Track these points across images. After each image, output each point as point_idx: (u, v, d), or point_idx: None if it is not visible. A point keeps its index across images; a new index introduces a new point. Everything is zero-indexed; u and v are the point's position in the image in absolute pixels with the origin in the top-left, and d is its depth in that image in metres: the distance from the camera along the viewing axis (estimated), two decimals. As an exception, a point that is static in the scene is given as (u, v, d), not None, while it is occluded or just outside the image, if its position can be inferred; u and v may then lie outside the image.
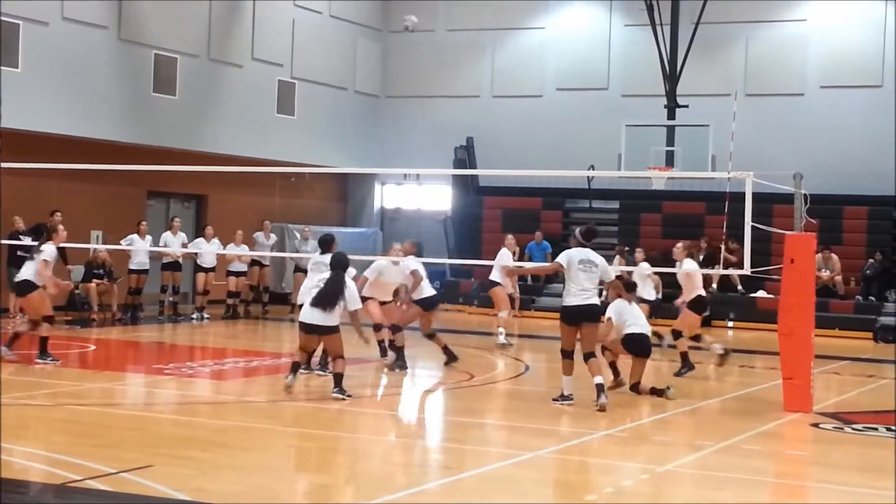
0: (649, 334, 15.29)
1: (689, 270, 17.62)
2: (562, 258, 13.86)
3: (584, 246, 13.95)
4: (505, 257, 20.40)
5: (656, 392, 14.84)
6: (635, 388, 14.90)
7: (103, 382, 15.05)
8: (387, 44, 33.55)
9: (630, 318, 15.02)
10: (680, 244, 17.99)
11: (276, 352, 19.47)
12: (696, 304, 17.76)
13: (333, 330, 14.08)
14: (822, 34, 29.76)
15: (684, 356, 17.40)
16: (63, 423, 11.81)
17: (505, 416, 13.23)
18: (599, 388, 13.62)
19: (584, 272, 13.72)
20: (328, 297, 13.98)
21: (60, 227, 16.92)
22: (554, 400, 13.84)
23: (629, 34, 31.01)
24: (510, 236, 21.68)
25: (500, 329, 19.70)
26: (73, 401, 13.26)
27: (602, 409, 13.34)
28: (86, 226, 24.93)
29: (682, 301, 17.83)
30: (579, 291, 13.70)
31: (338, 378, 14.01)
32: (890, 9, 29.07)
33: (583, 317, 13.73)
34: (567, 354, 13.78)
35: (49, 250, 16.19)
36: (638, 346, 14.99)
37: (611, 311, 15.03)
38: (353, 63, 32.42)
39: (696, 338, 18.04)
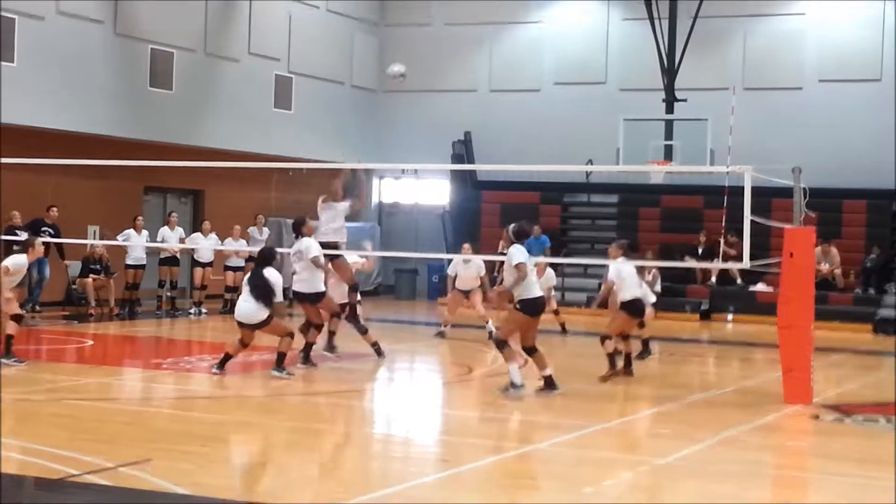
0: (642, 297, 16.12)
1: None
2: (524, 257, 13.83)
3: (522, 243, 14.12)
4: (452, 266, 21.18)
5: (627, 364, 15.86)
6: (626, 337, 16.02)
7: (101, 377, 15.00)
8: (384, 38, 33.50)
9: (629, 281, 15.70)
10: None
11: (274, 346, 19.41)
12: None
13: (265, 322, 14.73)
14: (821, 28, 29.73)
15: (645, 342, 18.10)
16: (61, 417, 11.78)
17: (502, 409, 13.19)
18: (549, 380, 13.91)
19: (532, 266, 14.08)
20: (261, 297, 14.60)
21: (39, 242, 16.15)
22: (504, 391, 13.80)
23: (627, 28, 30.97)
24: (466, 245, 21.74)
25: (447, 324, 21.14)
26: (71, 396, 13.23)
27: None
28: (83, 221, 24.87)
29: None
30: (535, 282, 14.07)
31: (280, 357, 14.69)
32: (888, 3, 29.04)
33: (542, 307, 14.04)
34: (505, 344, 13.85)
35: (15, 261, 15.42)
36: (634, 308, 15.84)
37: (612, 274, 15.66)
38: (350, 57, 32.37)
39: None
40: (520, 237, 14.06)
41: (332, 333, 16.97)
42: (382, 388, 15.80)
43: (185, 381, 14.96)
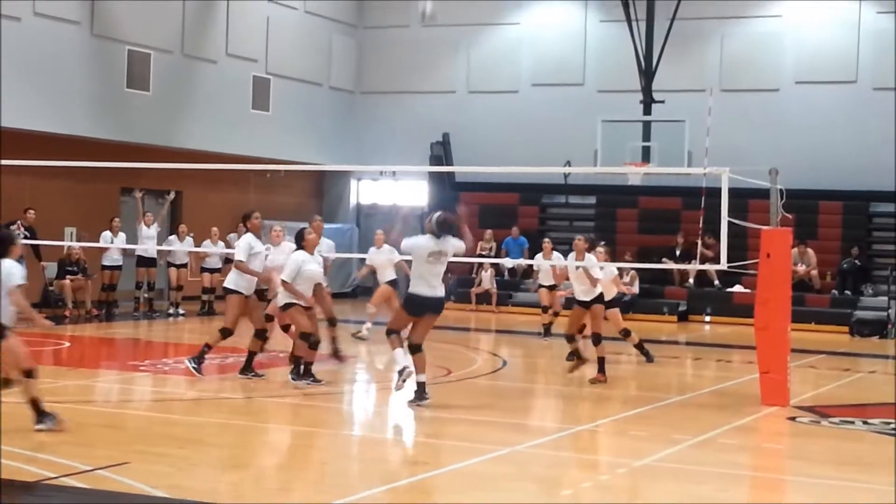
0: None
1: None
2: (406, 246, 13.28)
3: (438, 236, 13.23)
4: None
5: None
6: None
7: (78, 379, 14.95)
8: (362, 39, 33.48)
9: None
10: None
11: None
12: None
13: (284, 308, 14.57)
14: (797, 30, 29.84)
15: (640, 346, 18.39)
16: (37, 420, 11.71)
17: (481, 411, 13.19)
18: (422, 387, 13.05)
19: (431, 265, 13.12)
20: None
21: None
22: (397, 389, 13.18)
23: (605, 30, 31.02)
24: (379, 231, 21.09)
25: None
26: (48, 398, 13.13)
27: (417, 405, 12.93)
28: (59, 222, 24.79)
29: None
30: (424, 280, 13.13)
31: (298, 362, 14.30)
32: (864, 5, 29.18)
33: (425, 308, 13.20)
34: (392, 332, 13.24)
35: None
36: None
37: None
38: (329, 59, 32.35)
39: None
40: (442, 229, 13.29)
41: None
42: (360, 389, 15.79)
43: (162, 384, 14.91)
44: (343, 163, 31.32)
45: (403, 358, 13.09)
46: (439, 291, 13.28)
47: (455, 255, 13.49)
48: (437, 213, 13.48)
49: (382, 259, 20.15)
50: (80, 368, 16.27)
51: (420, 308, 13.19)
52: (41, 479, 9.01)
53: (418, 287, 13.13)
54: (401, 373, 13.03)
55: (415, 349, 13.14)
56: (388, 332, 13.34)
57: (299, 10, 31.12)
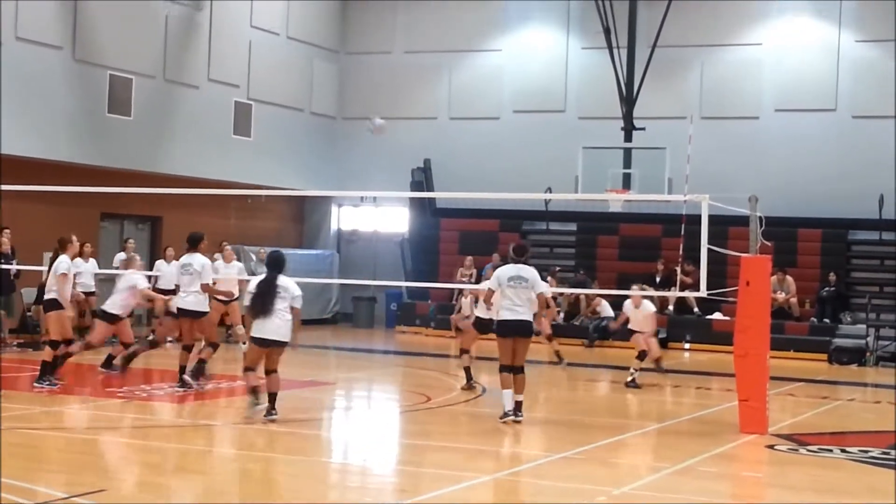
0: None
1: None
2: (493, 282, 14.38)
3: (517, 262, 14.28)
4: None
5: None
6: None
7: (56, 406, 14.87)
8: (343, 65, 33.55)
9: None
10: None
11: (232, 374, 19.32)
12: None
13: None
14: (777, 58, 30.01)
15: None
16: (15, 447, 11.61)
17: (461, 438, 13.17)
18: (518, 405, 14.07)
19: (512, 289, 14.11)
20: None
21: None
22: (501, 419, 14.04)
23: (586, 57, 31.15)
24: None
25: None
26: (26, 425, 13.10)
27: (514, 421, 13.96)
28: (38, 248, 24.65)
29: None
30: (511, 307, 14.13)
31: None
32: (843, 34, 29.36)
33: (516, 331, 14.18)
34: (504, 368, 14.23)
35: None
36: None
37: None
38: (310, 84, 32.39)
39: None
40: (519, 253, 14.43)
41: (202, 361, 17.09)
42: (340, 416, 15.76)
43: (142, 410, 14.84)
44: (324, 188, 31.35)
45: (509, 400, 14.07)
46: (525, 315, 14.18)
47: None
48: (513, 244, 14.80)
49: (230, 274, 21.18)
50: (58, 395, 16.17)
51: (509, 331, 14.22)
52: (17, 507, 8.96)
53: (504, 313, 14.20)
54: (506, 414, 14.02)
55: (515, 370, 14.13)
56: (502, 369, 14.28)
57: (281, 35, 31.18)
